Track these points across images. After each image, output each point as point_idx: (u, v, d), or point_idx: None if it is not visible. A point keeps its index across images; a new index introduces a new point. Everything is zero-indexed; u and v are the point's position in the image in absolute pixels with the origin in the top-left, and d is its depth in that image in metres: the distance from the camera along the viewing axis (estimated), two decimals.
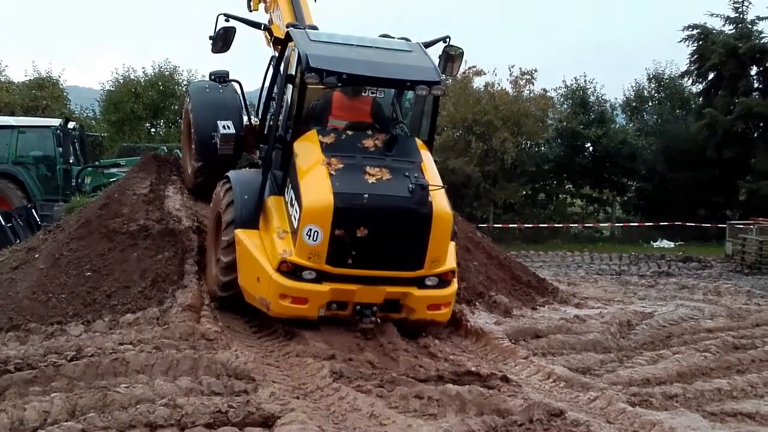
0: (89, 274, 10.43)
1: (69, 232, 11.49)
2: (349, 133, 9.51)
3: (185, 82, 38.57)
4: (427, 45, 10.23)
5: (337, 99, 10.02)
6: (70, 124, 24.20)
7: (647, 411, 7.39)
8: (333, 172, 8.85)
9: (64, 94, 40.90)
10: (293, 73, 9.82)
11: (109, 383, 7.24)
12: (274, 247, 8.99)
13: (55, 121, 24.20)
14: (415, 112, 10.45)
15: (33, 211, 20.60)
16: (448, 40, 10.35)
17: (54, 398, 6.67)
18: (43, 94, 38.82)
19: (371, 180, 8.85)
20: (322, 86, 9.44)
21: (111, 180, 19.37)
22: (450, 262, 9.38)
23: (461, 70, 11.95)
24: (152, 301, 9.91)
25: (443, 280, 9.29)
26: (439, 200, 9.02)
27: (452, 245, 9.57)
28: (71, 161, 23.17)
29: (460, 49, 10.31)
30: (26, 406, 6.51)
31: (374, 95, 9.96)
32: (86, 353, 8.11)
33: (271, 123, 10.47)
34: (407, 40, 10.31)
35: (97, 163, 24.56)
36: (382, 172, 8.93)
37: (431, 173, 9.21)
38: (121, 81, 38.61)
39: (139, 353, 7.97)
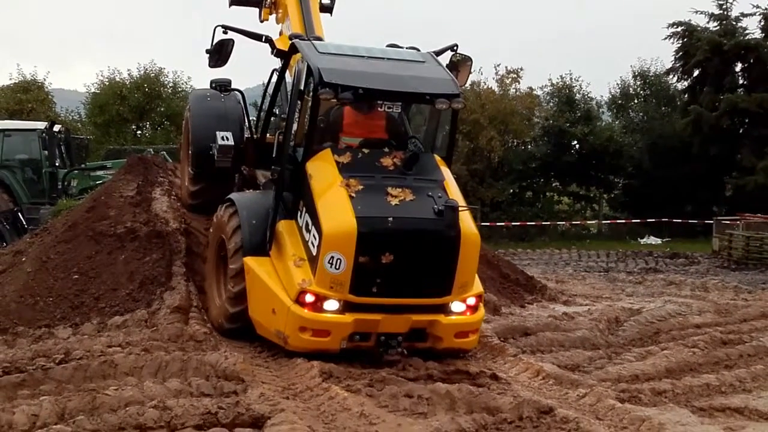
0: (77, 277, 10.40)
1: (56, 235, 11.46)
2: (365, 151, 8.89)
3: (171, 84, 38.51)
4: (436, 54, 9.62)
5: (348, 114, 9.37)
6: (56, 127, 24.01)
7: (636, 407, 7.41)
8: (353, 195, 8.22)
9: (50, 97, 40.74)
10: (302, 88, 9.08)
11: (98, 386, 7.22)
12: (291, 276, 8.38)
13: (41, 124, 24.00)
14: (430, 127, 9.80)
15: (19, 214, 20.53)
16: (456, 48, 9.82)
17: (43, 401, 6.63)
18: (28, 97, 38.69)
19: (394, 202, 8.26)
20: (335, 101, 8.90)
21: (97, 183, 19.25)
22: (478, 286, 8.83)
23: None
24: (140, 303, 9.89)
25: (471, 306, 8.72)
26: (466, 221, 8.43)
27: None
28: (57, 164, 22.98)
29: (469, 57, 9.82)
30: (15, 410, 6.47)
31: (390, 110, 9.25)
32: (75, 356, 8.08)
33: (280, 140, 9.57)
34: (416, 49, 9.74)
35: (83, 165, 24.38)
36: (404, 192, 8.34)
37: (454, 192, 8.64)
38: (107, 83, 38.61)
39: (128, 355, 7.95)
